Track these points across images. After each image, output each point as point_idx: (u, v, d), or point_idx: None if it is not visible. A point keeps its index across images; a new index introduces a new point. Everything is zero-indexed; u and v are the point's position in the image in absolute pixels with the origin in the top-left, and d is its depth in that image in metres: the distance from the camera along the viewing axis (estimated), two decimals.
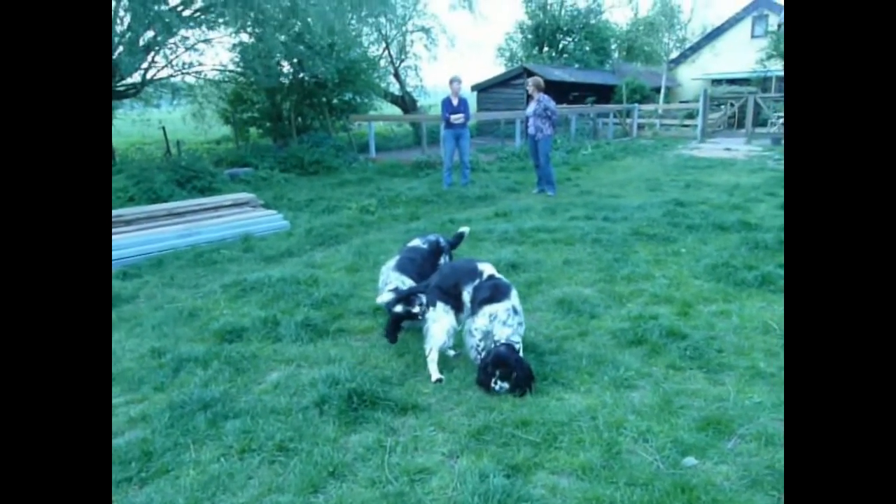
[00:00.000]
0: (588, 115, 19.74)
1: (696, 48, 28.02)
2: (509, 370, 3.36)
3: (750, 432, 2.98)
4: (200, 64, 14.77)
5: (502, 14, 70.12)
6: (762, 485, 2.57)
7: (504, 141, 16.98)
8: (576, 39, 28.80)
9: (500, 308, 3.55)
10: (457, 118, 10.64)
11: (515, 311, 3.54)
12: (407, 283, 4.27)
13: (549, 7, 28.41)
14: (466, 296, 3.74)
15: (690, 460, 2.76)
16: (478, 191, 10.40)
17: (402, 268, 4.40)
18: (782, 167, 11.91)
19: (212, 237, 7.43)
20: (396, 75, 23.55)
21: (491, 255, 6.15)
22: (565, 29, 28.51)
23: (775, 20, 25.42)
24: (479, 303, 3.63)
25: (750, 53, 24.45)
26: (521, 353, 3.51)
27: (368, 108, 19.80)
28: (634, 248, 6.40)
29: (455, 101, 10.73)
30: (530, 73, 23.52)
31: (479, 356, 3.60)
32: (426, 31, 23.90)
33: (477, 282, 3.76)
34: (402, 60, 23.82)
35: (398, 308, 3.97)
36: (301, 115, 17.34)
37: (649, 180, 11.28)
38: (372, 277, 5.71)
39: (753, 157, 14.29)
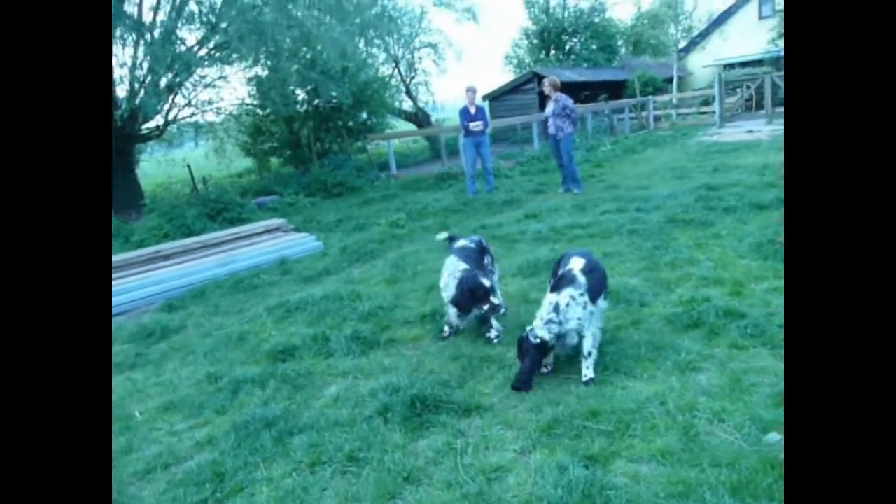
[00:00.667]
0: (603, 111, 19.64)
1: (704, 34, 27.77)
2: (523, 352, 3.49)
3: None
4: (220, 100, 15.15)
5: (507, 22, 70.53)
6: None
7: (522, 146, 16.96)
8: (581, 39, 28.78)
9: (546, 300, 3.53)
10: (475, 125, 10.67)
11: (557, 309, 3.45)
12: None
13: (552, 10, 28.48)
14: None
15: (773, 436, 2.67)
16: (503, 195, 10.38)
17: (465, 260, 4.44)
18: None
19: (249, 264, 7.53)
20: (408, 92, 23.79)
21: (528, 254, 6.11)
22: (570, 30, 28.52)
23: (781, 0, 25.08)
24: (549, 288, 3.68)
25: (760, 34, 24.13)
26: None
27: (384, 126, 20.01)
28: (673, 234, 6.30)
29: (472, 110, 10.77)
30: (540, 78, 23.52)
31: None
32: (433, 46, 24.15)
33: (561, 270, 3.79)
34: (412, 77, 24.08)
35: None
36: (319, 139, 17.60)
37: (675, 169, 11.14)
38: (413, 288, 5.73)
39: (778, 135, 14.01)
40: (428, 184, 13.69)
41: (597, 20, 28.56)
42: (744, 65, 24.71)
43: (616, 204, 8.32)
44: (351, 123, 18.41)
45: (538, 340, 3.41)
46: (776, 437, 2.66)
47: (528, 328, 3.51)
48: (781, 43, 22.47)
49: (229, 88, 25.77)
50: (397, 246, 7.90)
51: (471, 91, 10.77)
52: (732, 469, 2.48)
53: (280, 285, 6.66)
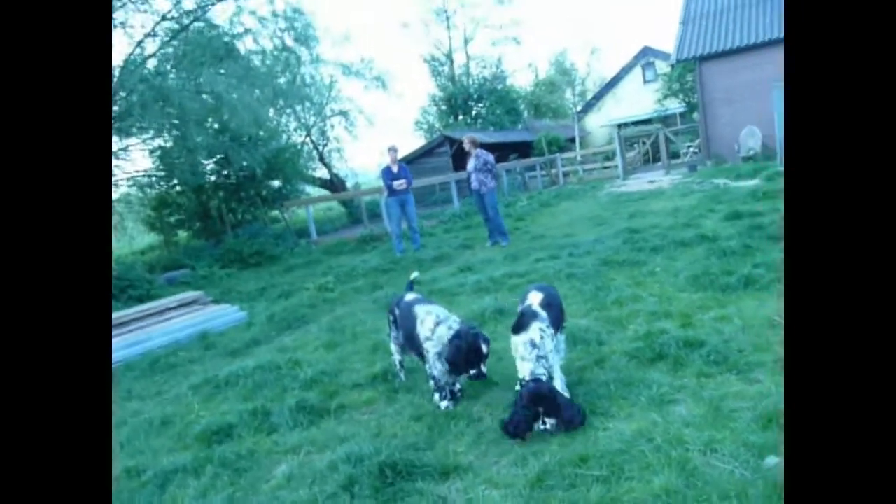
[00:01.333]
0: (515, 169, 20.43)
1: (599, 96, 30.10)
2: (550, 404, 3.10)
3: None
4: (120, 173, 14.23)
5: (415, 89, 73.30)
6: None
7: (442, 206, 17.16)
8: (487, 104, 30.25)
9: (518, 341, 3.33)
10: (399, 184, 10.63)
11: (534, 345, 3.29)
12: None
13: (457, 78, 29.86)
14: None
15: (772, 459, 2.57)
16: (432, 252, 10.28)
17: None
18: (707, 189, 12.62)
19: (165, 341, 6.81)
20: (322, 160, 23.69)
21: (472, 306, 5.95)
22: (476, 96, 29.93)
23: (661, 65, 27.81)
24: (512, 331, 3.43)
25: (647, 96, 26.51)
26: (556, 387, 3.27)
27: (299, 194, 19.64)
28: (609, 276, 6.39)
29: (395, 169, 10.77)
30: (452, 141, 24.33)
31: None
32: (344, 114, 24.42)
33: (521, 307, 3.61)
34: (325, 145, 24.06)
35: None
36: (232, 210, 16.91)
37: (593, 217, 11.59)
38: (355, 350, 5.37)
39: (678, 184, 15.09)
40: (351, 247, 13.39)
41: (499, 87, 30.21)
42: (636, 123, 26.86)
43: (547, 252, 8.42)
44: (264, 192, 17.90)
45: (530, 377, 3.20)
46: (774, 460, 2.56)
47: (521, 379, 3.28)
48: (667, 103, 24.74)
49: (130, 161, 24.52)
50: (329, 310, 7.49)
51: (392, 150, 10.80)
52: (742, 499, 2.33)
53: (203, 361, 6.03)
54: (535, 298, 3.59)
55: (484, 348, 3.58)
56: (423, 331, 3.76)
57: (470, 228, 13.12)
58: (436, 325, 3.70)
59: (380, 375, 4.49)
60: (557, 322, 3.65)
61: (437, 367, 3.72)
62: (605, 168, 21.85)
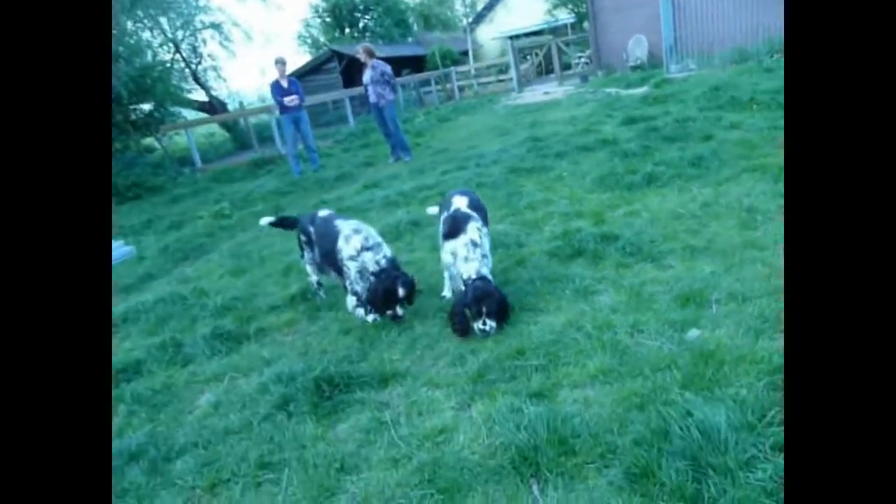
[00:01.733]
0: (410, 85, 19.79)
1: (490, 7, 29.42)
2: (494, 304, 3.10)
3: (721, 296, 3.07)
4: None
5: (298, 1, 67.28)
6: (763, 332, 2.64)
7: (337, 125, 16.38)
8: (374, 16, 28.65)
9: (458, 244, 3.27)
10: (291, 100, 9.90)
11: (475, 245, 3.27)
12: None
13: None
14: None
15: (694, 332, 2.75)
16: (333, 172, 9.85)
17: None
18: (600, 98, 12.94)
19: None
20: (197, 79, 21.51)
21: (385, 220, 5.79)
22: (362, 6, 28.19)
23: None
24: (443, 238, 3.34)
25: (537, 5, 26.24)
26: None
27: (175, 118, 17.84)
28: (519, 182, 6.45)
29: (285, 83, 9.98)
30: (341, 56, 22.99)
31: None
32: (217, 27, 22.01)
33: (445, 214, 3.48)
34: (198, 63, 21.77)
35: None
36: None
37: (494, 128, 11.57)
38: (266, 273, 5.10)
39: (572, 94, 15.36)
40: (242, 173, 12.51)
41: None
42: (527, 35, 26.70)
43: (453, 164, 8.33)
44: (133, 117, 16.03)
45: (473, 275, 3.20)
46: (696, 333, 2.74)
47: (465, 278, 3.24)
48: (557, 13, 24.70)
49: None
50: (229, 237, 7.02)
51: (280, 63, 9.95)
52: (673, 369, 2.49)
53: None
54: (461, 202, 3.52)
55: (400, 291, 3.43)
56: (346, 249, 3.55)
57: (369, 147, 12.67)
58: (363, 248, 3.51)
59: (298, 296, 4.29)
60: (484, 222, 3.61)
61: (359, 283, 3.59)
62: (500, 81, 21.75)
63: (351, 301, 3.71)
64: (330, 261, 3.77)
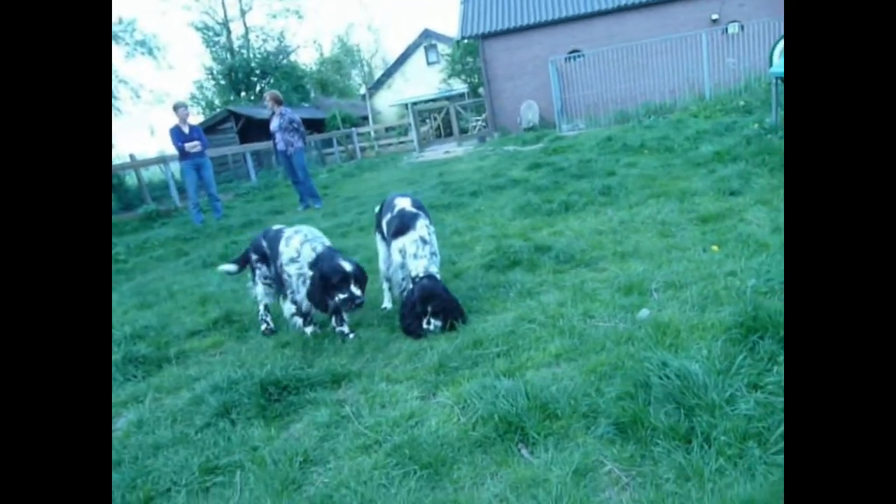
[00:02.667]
0: (311, 144, 19.75)
1: (388, 74, 30.52)
2: (441, 304, 3.03)
3: (659, 286, 3.23)
4: None
5: (189, 63, 65.61)
6: (706, 307, 2.79)
7: (237, 181, 15.86)
8: (271, 80, 28.70)
9: (406, 241, 3.21)
10: (192, 146, 9.48)
11: (424, 241, 3.23)
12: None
13: (236, 50, 27.75)
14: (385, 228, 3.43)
15: (644, 312, 2.85)
16: (240, 220, 9.43)
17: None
18: (501, 153, 13.64)
19: None
20: None
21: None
22: (258, 71, 28.19)
23: (443, 48, 29.28)
24: (390, 237, 3.24)
25: (433, 76, 27.68)
26: None
27: None
28: (439, 216, 6.50)
29: (186, 129, 9.57)
30: (237, 116, 22.60)
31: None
32: None
33: (389, 215, 3.37)
34: None
35: None
36: None
37: (402, 180, 11.76)
38: (178, 306, 4.68)
39: (472, 153, 16.05)
40: (133, 226, 11.60)
41: (284, 62, 28.87)
42: (425, 102, 27.88)
43: (367, 206, 8.29)
44: None
45: (422, 273, 3.12)
46: (646, 312, 2.85)
47: (413, 276, 3.14)
48: (452, 83, 26.12)
49: None
50: (127, 279, 6.40)
51: (182, 107, 9.58)
52: (633, 342, 2.54)
53: None
54: (404, 202, 3.48)
55: (347, 266, 3.12)
56: (287, 251, 3.27)
57: (274, 199, 12.33)
58: (302, 244, 3.27)
59: (221, 319, 3.96)
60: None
61: (300, 292, 3.32)
62: (401, 143, 22.33)
63: (289, 308, 3.41)
64: (279, 271, 3.45)
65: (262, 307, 3.68)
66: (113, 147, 15.30)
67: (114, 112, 21.66)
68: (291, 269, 3.29)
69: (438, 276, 3.24)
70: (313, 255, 3.22)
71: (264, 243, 3.59)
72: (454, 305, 3.12)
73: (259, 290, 3.67)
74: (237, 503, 1.95)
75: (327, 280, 3.08)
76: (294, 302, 3.38)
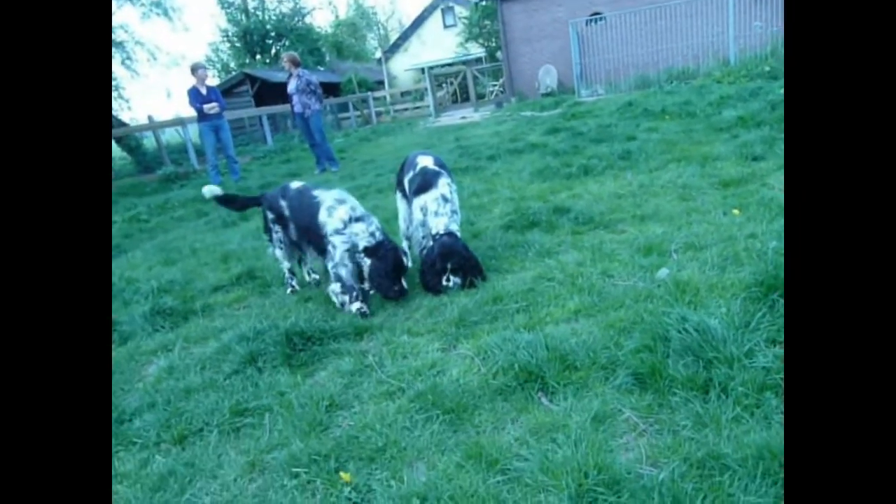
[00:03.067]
0: (327, 108, 19.65)
1: (404, 37, 30.05)
2: (460, 261, 3.07)
3: (678, 247, 3.24)
4: None
5: (205, 24, 64.74)
6: (725, 268, 2.80)
7: (254, 144, 15.88)
8: (286, 43, 28.39)
9: (428, 199, 3.23)
10: (210, 107, 9.49)
11: (446, 199, 3.25)
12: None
13: (251, 11, 27.42)
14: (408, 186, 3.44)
15: (664, 271, 2.87)
16: (256, 182, 9.50)
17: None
18: (518, 118, 13.50)
19: None
20: None
21: None
22: (273, 33, 27.87)
23: (460, 10, 28.67)
24: (412, 195, 3.27)
25: (449, 39, 27.19)
26: None
27: None
28: (459, 179, 6.47)
29: (203, 91, 9.56)
30: (253, 79, 22.48)
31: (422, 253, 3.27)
32: (118, 45, 20.92)
33: (411, 174, 3.39)
34: None
35: None
36: None
37: (418, 144, 11.69)
38: (201, 262, 4.78)
39: (489, 118, 15.89)
40: (153, 187, 11.75)
41: (300, 24, 28.50)
42: (441, 67, 27.48)
43: (385, 169, 8.30)
44: None
45: (442, 230, 3.15)
46: (666, 272, 2.86)
47: (434, 233, 3.18)
48: (468, 46, 25.67)
49: None
50: (150, 238, 6.53)
51: (200, 69, 9.55)
52: (652, 299, 2.57)
53: None
54: (426, 161, 3.49)
55: (407, 263, 3.15)
56: (330, 221, 3.12)
57: (290, 162, 12.36)
58: (351, 219, 3.12)
59: (244, 275, 4.05)
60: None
61: (346, 266, 3.14)
62: (417, 108, 22.13)
63: (335, 288, 3.19)
64: (308, 237, 3.31)
65: (285, 269, 3.63)
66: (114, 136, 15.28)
67: (131, 74, 21.62)
68: (337, 241, 3.12)
69: (458, 235, 3.27)
70: (372, 240, 3.11)
71: (283, 203, 3.44)
72: (474, 263, 3.16)
73: (278, 254, 3.60)
74: (267, 442, 2.04)
75: (396, 272, 3.10)
76: (338, 278, 3.16)
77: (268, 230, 3.65)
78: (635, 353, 2.10)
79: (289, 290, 3.62)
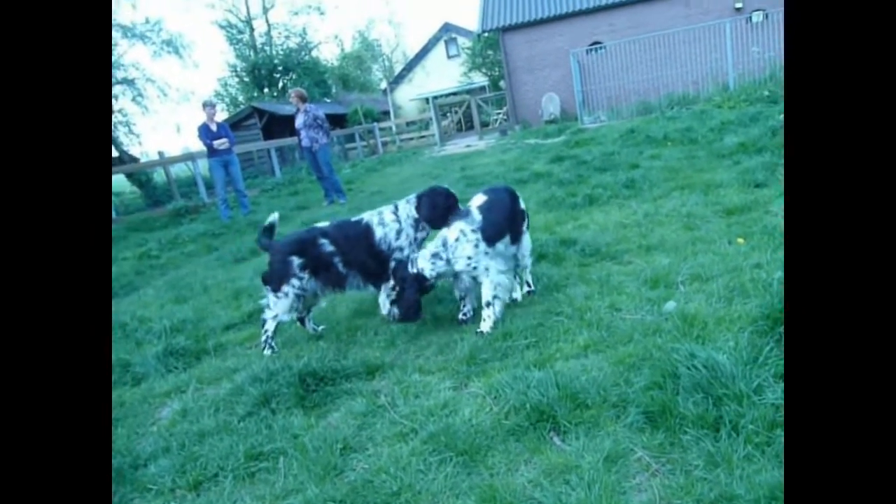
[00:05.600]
0: (334, 140, 19.95)
1: (409, 68, 30.60)
2: (400, 291, 3.13)
3: (685, 278, 3.26)
4: None
5: (214, 60, 66.18)
6: (732, 299, 2.82)
7: (262, 176, 16.10)
8: (293, 77, 28.97)
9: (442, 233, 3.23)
10: (221, 143, 9.68)
11: (445, 245, 3.16)
12: None
13: (259, 47, 28.06)
14: None
15: (671, 304, 2.89)
16: (266, 215, 9.56)
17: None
18: (523, 146, 13.65)
19: None
20: None
21: None
22: (281, 67, 28.46)
23: (463, 41, 29.24)
24: None
25: (453, 70, 27.67)
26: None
27: None
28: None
29: (213, 127, 9.77)
30: (261, 112, 22.89)
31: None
32: (129, 82, 21.46)
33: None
34: None
35: None
36: None
37: (425, 174, 11.83)
38: (212, 300, 4.83)
39: (494, 146, 16.07)
40: (163, 222, 11.88)
41: (306, 58, 29.11)
42: (445, 96, 27.92)
43: (391, 201, 8.38)
44: None
45: (415, 271, 3.09)
46: (673, 304, 2.89)
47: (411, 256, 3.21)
48: (472, 76, 26.10)
49: None
50: (161, 274, 6.61)
51: (209, 106, 9.79)
52: (660, 333, 2.59)
53: None
54: (476, 201, 3.29)
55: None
56: (396, 236, 3.43)
57: (299, 195, 12.51)
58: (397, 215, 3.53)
59: (255, 312, 4.08)
60: (500, 230, 3.20)
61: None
62: (422, 137, 22.42)
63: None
64: (368, 267, 3.36)
65: (303, 320, 3.55)
66: (114, 149, 15.47)
67: (142, 111, 22.11)
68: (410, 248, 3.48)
69: (427, 276, 3.11)
70: (413, 202, 3.67)
71: (323, 242, 3.34)
72: (410, 297, 3.13)
73: (282, 306, 3.31)
74: (282, 487, 2.06)
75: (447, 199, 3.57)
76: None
77: (292, 275, 3.30)
78: (645, 391, 2.11)
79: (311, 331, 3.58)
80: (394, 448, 2.15)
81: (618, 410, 2.10)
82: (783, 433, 1.77)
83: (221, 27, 28.63)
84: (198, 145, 10.57)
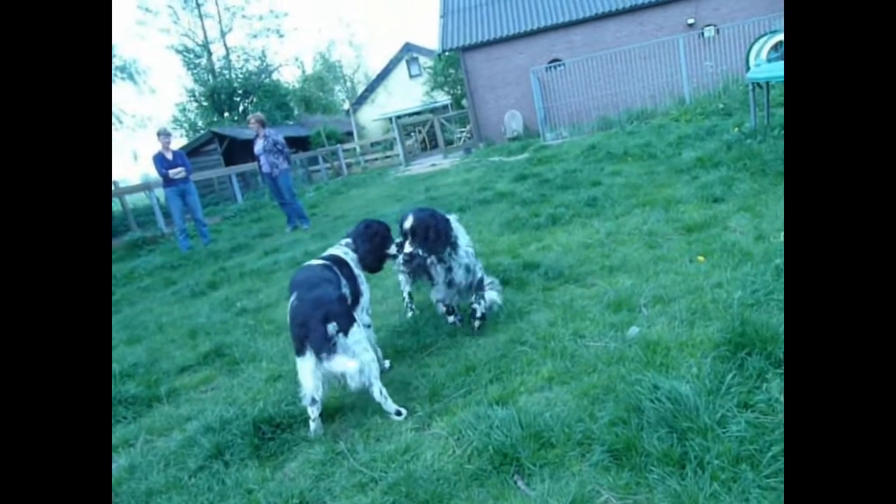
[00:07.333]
0: (297, 163, 19.75)
1: (371, 89, 30.63)
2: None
3: (647, 300, 3.25)
4: None
5: (171, 85, 65.32)
6: (694, 322, 2.81)
7: (224, 203, 15.79)
8: (254, 100, 28.71)
9: None
10: (176, 172, 9.42)
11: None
12: None
13: (218, 71, 27.73)
14: None
15: (634, 329, 2.86)
16: (227, 244, 9.37)
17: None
18: (487, 164, 13.71)
19: None
20: None
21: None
22: (241, 91, 28.17)
23: (424, 60, 29.44)
24: None
25: (415, 89, 27.79)
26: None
27: None
28: None
29: (169, 156, 9.52)
30: (221, 138, 22.55)
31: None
32: None
33: None
34: None
35: None
36: None
37: (390, 196, 11.76)
38: (167, 339, 4.63)
39: (458, 164, 16.11)
40: (119, 254, 11.49)
41: (266, 81, 28.88)
42: (409, 115, 28.00)
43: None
44: None
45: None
46: (636, 330, 2.86)
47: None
48: (434, 95, 26.24)
49: None
50: (115, 312, 6.34)
51: (164, 135, 9.52)
52: (623, 361, 2.55)
53: None
54: (406, 223, 3.39)
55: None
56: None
57: (261, 221, 12.29)
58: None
59: (211, 352, 3.93)
60: (439, 244, 3.31)
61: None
62: (387, 157, 22.39)
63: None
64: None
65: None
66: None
67: None
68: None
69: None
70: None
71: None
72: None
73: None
74: None
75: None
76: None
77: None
78: (610, 427, 2.06)
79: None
80: (352, 501, 2.05)
81: (583, 449, 2.04)
82: (748, 467, 1.73)
83: (178, 52, 28.23)
84: (155, 174, 10.29)
